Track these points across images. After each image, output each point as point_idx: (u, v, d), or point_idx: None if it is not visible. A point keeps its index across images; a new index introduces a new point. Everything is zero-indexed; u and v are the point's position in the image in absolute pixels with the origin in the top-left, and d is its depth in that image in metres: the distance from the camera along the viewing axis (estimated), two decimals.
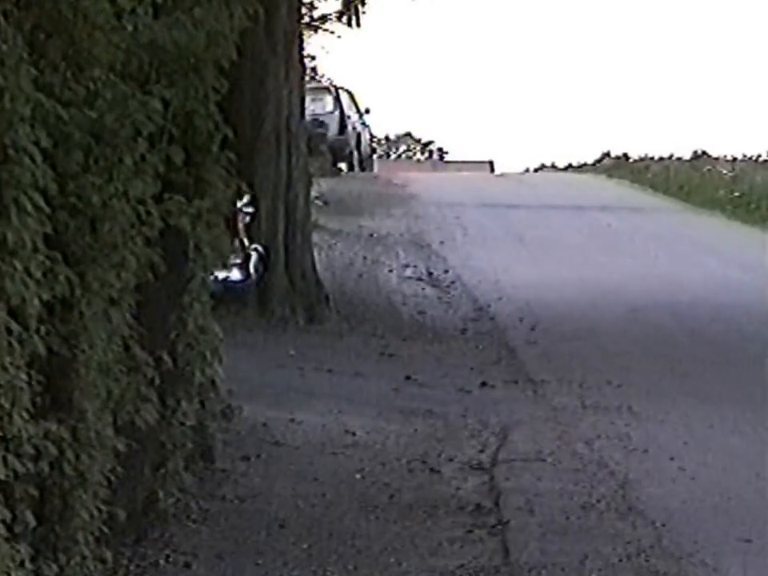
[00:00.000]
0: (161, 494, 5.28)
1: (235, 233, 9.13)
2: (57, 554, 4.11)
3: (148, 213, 4.67)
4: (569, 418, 7.85)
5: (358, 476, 6.33)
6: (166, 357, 5.22)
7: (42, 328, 3.95)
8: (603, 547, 5.41)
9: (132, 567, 4.94)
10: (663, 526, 5.73)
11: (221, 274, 8.81)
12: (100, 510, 4.32)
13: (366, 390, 8.34)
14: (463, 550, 5.35)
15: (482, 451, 6.96)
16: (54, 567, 4.08)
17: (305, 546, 5.31)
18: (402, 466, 6.57)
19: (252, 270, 9.24)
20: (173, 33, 5.13)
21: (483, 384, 8.73)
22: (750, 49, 65.94)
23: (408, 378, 8.73)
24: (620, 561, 5.28)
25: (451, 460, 6.74)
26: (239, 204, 9.18)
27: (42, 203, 3.84)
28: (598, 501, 6.05)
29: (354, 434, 7.09)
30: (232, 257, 8.97)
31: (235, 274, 9.09)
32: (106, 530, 4.39)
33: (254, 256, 9.31)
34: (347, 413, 7.52)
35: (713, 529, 5.77)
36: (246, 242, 9.38)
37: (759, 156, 28.21)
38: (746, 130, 54.13)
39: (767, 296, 12.99)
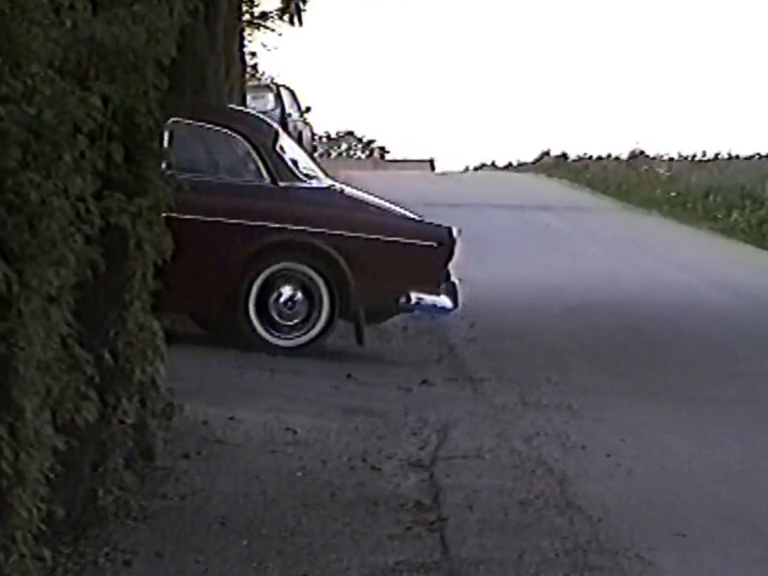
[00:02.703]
0: (100, 492, 5.25)
1: (449, 263, 9.31)
2: None
3: (87, 210, 4.64)
4: (508, 416, 7.91)
5: (298, 473, 6.33)
6: (106, 355, 5.19)
7: None
8: (541, 542, 5.46)
9: (71, 565, 4.91)
10: (600, 521, 5.80)
11: (435, 300, 9.18)
12: (39, 509, 4.29)
13: (307, 388, 8.34)
14: (403, 546, 5.37)
15: (422, 449, 7.00)
16: None
17: (245, 543, 5.31)
18: (343, 463, 6.59)
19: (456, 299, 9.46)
20: (112, 29, 5.10)
21: (423, 382, 8.77)
22: (685, 49, 66.71)
23: (349, 376, 8.74)
24: (557, 556, 5.34)
25: (391, 457, 6.77)
26: (455, 234, 9.43)
27: None
28: (537, 497, 6.11)
29: (294, 431, 7.09)
30: (443, 285, 9.29)
31: (446, 302, 9.34)
32: (44, 528, 4.36)
33: (457, 285, 9.52)
34: (288, 411, 7.52)
35: (648, 524, 5.84)
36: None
37: (695, 156, 28.61)
38: (682, 130, 54.82)
39: (703, 294, 13.17)
